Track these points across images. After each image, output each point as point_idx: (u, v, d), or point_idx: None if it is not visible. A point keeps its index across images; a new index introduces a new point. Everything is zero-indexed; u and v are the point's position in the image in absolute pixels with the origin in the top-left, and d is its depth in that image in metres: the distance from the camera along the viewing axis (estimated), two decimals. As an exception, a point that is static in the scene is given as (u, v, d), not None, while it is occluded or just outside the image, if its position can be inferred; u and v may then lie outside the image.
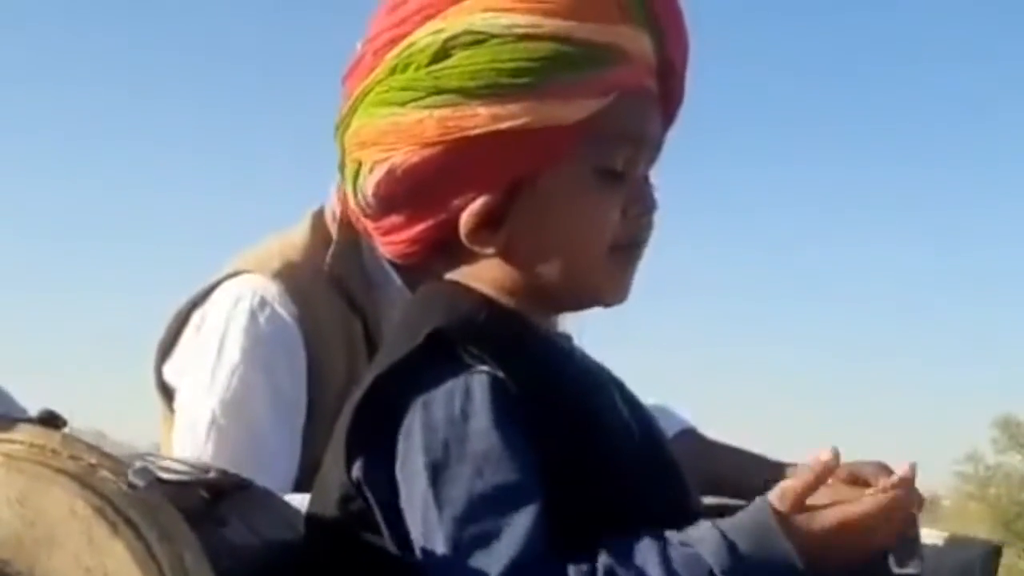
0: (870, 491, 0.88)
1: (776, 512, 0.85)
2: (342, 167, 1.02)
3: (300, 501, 1.03)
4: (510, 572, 0.82)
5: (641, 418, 1.01)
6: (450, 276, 1.00)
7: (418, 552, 0.86)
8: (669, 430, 1.44)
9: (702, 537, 0.84)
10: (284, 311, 1.40)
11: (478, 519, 0.84)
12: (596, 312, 1.04)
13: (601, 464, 0.90)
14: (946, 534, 1.32)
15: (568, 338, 1.05)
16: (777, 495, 0.86)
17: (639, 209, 0.97)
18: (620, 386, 1.04)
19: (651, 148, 0.99)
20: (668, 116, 1.02)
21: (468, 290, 0.97)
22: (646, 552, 0.84)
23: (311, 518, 0.95)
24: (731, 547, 0.83)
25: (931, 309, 46.14)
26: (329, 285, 1.45)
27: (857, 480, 1.31)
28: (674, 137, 1.04)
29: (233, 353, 1.38)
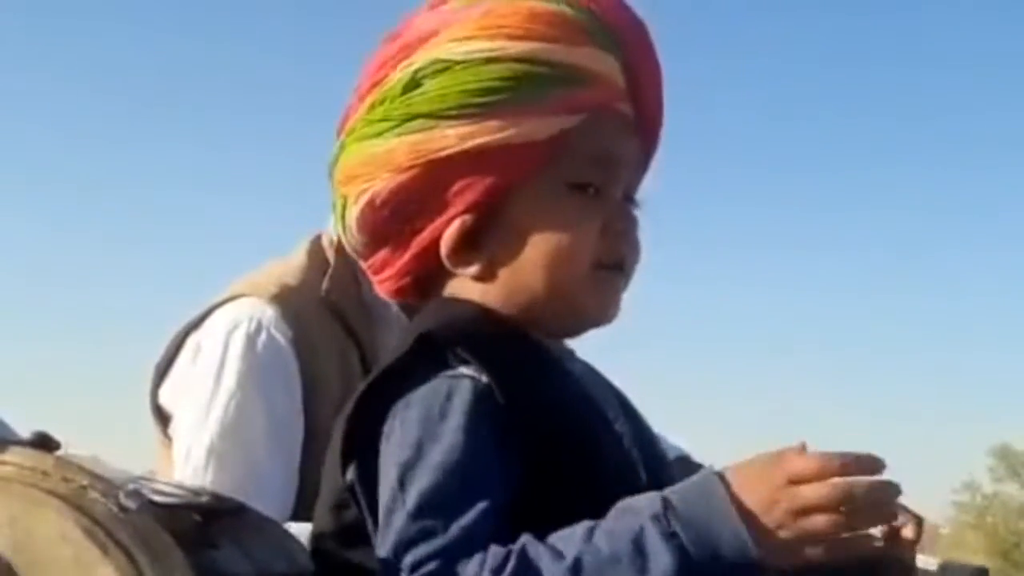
0: None
1: (716, 472, 0.84)
2: (335, 208, 1.05)
3: (296, 530, 1.02)
4: (439, 555, 0.83)
5: (642, 436, 1.01)
6: (449, 295, 1.01)
7: (377, 546, 0.87)
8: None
9: (640, 496, 0.84)
10: (280, 335, 1.40)
11: (427, 516, 0.85)
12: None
13: (588, 476, 0.90)
14: (939, 560, 1.33)
15: (570, 351, 1.05)
16: (734, 474, 0.84)
17: (619, 227, 0.99)
18: (624, 403, 1.04)
19: (628, 170, 1.01)
20: (646, 140, 1.04)
21: (465, 302, 0.99)
22: (572, 530, 0.83)
23: (314, 532, 0.96)
24: (664, 499, 0.82)
25: (928, 339, 46.17)
26: (326, 310, 1.45)
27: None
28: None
29: (230, 380, 1.38)
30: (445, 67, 0.95)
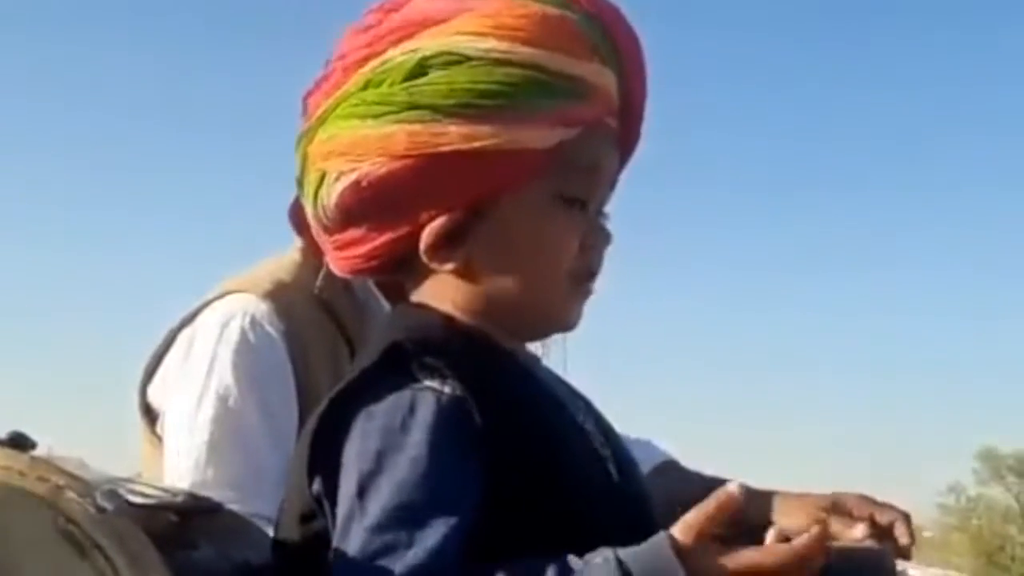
0: (793, 542, 0.85)
1: (675, 543, 0.82)
2: (301, 179, 1.03)
3: None
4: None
5: (611, 442, 1.01)
6: (416, 297, 1.01)
7: (331, 555, 0.87)
8: (650, 462, 1.44)
9: (599, 564, 0.82)
10: (273, 331, 1.39)
11: (389, 530, 0.84)
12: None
13: (558, 487, 0.89)
14: (933, 569, 1.33)
15: (536, 358, 1.05)
16: (679, 527, 0.84)
17: (595, 241, 1.00)
18: (592, 410, 1.04)
19: (608, 184, 1.02)
20: (623, 156, 1.05)
21: (432, 310, 0.98)
22: (542, 571, 0.83)
23: (276, 540, 0.95)
24: (625, 574, 0.81)
25: (912, 342, 46.37)
26: (319, 308, 1.45)
27: (840, 510, 1.32)
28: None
29: (224, 374, 1.37)
30: (455, 60, 0.93)
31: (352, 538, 0.85)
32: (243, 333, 1.38)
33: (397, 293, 1.10)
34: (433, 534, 0.84)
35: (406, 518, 0.84)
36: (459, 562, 0.84)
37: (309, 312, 1.43)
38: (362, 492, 0.86)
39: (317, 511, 0.90)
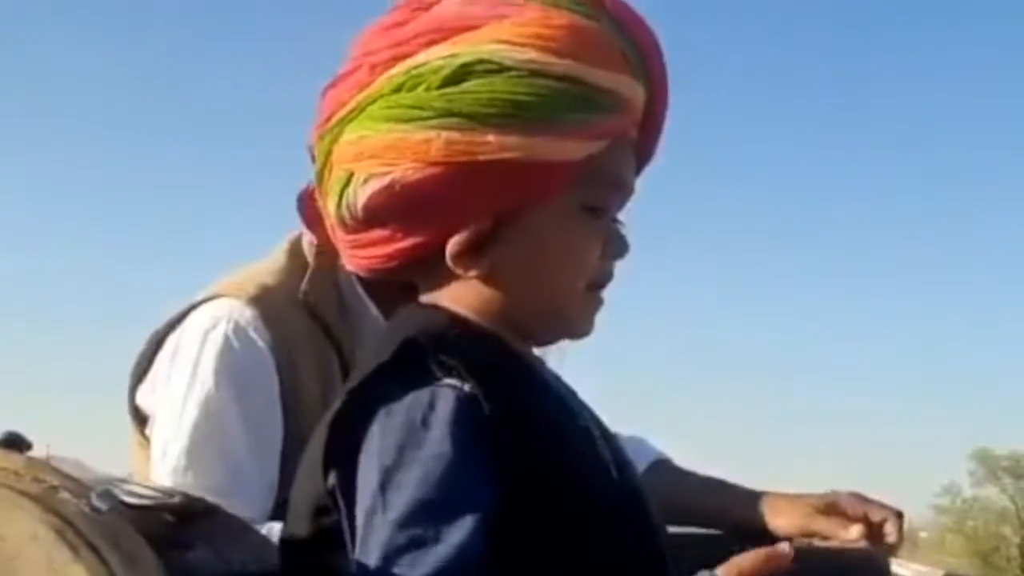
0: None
1: None
2: (322, 175, 1.02)
3: (278, 530, 1.02)
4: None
5: (610, 442, 1.01)
6: (429, 298, 1.01)
7: (356, 551, 0.87)
8: (643, 460, 1.45)
9: None
10: (258, 336, 1.39)
11: (416, 525, 0.85)
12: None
13: (566, 486, 0.90)
14: (936, 571, 1.33)
15: (541, 361, 1.06)
16: (724, 569, 0.87)
17: (614, 251, 1.01)
18: (591, 412, 1.04)
19: (627, 194, 1.03)
20: (639, 166, 1.05)
21: (444, 311, 0.98)
22: None
23: (285, 537, 0.95)
24: None
25: (908, 343, 46.43)
26: (305, 312, 1.44)
27: (835, 510, 1.32)
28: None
29: (207, 380, 1.37)
30: (494, 69, 0.93)
31: (376, 532, 0.85)
32: (227, 339, 1.38)
33: (389, 295, 1.10)
34: (459, 530, 0.84)
35: (431, 513, 0.85)
36: (485, 558, 0.84)
37: (295, 316, 1.43)
38: (385, 486, 0.86)
39: (331, 506, 0.90)
